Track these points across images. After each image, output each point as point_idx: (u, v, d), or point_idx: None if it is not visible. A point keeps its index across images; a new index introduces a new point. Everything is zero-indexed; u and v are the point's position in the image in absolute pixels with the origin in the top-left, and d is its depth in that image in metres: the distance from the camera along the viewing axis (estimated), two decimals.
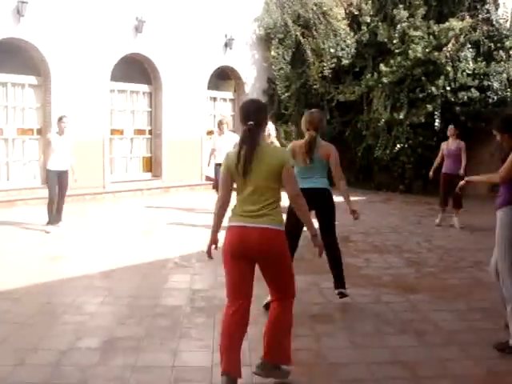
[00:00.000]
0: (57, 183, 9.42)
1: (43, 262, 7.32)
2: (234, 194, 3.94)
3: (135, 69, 14.43)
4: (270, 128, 9.44)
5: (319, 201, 5.60)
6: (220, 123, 11.47)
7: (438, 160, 10.66)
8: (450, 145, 10.51)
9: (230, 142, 10.72)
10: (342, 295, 5.75)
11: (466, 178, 5.44)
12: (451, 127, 10.68)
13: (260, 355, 3.94)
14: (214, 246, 4.06)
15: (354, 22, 15.82)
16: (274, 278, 3.90)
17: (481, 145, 14.42)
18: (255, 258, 3.79)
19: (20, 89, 12.53)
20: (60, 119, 9.56)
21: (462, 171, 10.17)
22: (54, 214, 9.44)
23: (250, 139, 3.75)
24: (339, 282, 5.80)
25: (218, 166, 10.61)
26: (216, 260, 7.57)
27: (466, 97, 13.84)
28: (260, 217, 3.74)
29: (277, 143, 9.42)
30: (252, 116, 3.81)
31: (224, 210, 3.96)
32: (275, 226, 3.76)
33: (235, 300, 3.79)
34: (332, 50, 15.43)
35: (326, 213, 5.77)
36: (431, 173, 10.71)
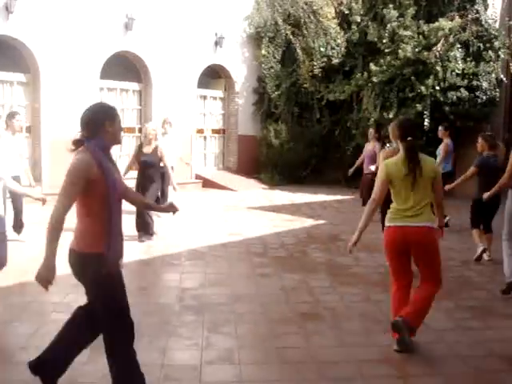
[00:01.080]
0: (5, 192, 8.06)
1: (31, 261, 7.27)
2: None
3: (125, 67, 14.38)
4: (158, 132, 9.06)
5: None
6: (163, 123, 10.99)
7: (359, 160, 11.06)
8: (367, 146, 10.87)
9: (172, 142, 10.59)
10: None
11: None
12: (371, 130, 10.98)
13: (249, 353, 3.95)
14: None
15: (344, 21, 15.86)
16: (426, 265, 4.57)
17: (469, 144, 14.49)
18: (413, 249, 4.51)
19: (9, 86, 12.45)
20: (12, 116, 8.13)
21: (372, 168, 10.56)
22: (14, 225, 8.20)
23: (414, 153, 4.46)
24: None
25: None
26: (205, 258, 7.59)
27: (455, 96, 13.91)
28: (419, 217, 4.45)
29: (161, 146, 8.85)
30: (409, 132, 4.52)
31: (375, 211, 4.63)
32: (430, 223, 4.50)
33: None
34: (322, 49, 15.47)
35: None
36: (350, 171, 11.15)
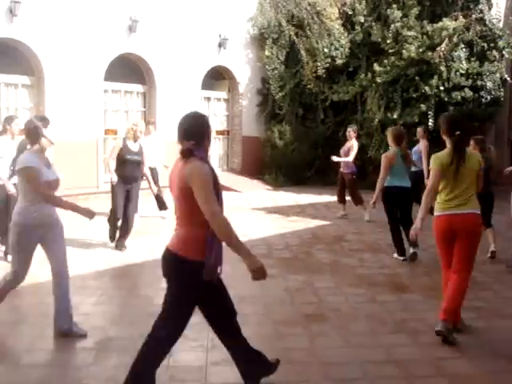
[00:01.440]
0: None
1: (35, 263, 7.28)
2: None
3: (129, 69, 14.41)
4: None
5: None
6: (147, 123, 10.80)
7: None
8: (347, 144, 11.03)
9: (155, 143, 10.57)
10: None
11: None
12: (350, 129, 11.13)
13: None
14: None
15: (348, 21, 15.85)
16: (465, 252, 4.84)
17: None
18: (459, 235, 4.78)
19: (13, 89, 12.49)
20: (11, 120, 7.54)
21: (335, 158, 10.91)
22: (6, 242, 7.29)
23: (462, 147, 4.79)
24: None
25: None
26: None
27: (459, 96, 13.87)
28: (465, 205, 4.79)
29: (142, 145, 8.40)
30: (457, 127, 4.81)
31: (432, 201, 4.93)
32: (476, 211, 4.86)
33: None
34: (326, 50, 15.46)
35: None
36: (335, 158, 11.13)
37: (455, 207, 4.79)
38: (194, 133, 3.49)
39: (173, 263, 3.54)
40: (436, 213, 4.92)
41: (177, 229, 3.59)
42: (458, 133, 4.77)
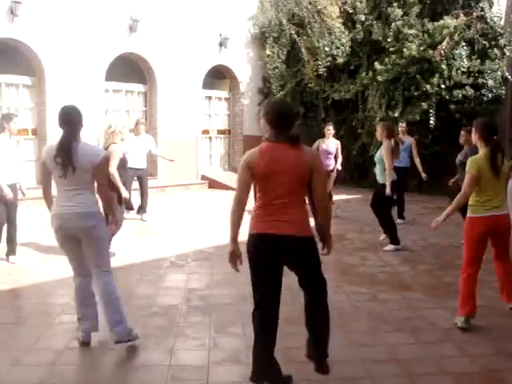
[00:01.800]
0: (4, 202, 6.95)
1: (37, 263, 7.30)
2: None
3: (130, 68, 14.41)
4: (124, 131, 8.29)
5: None
6: (137, 123, 10.84)
7: None
8: (324, 142, 10.94)
9: (145, 143, 10.55)
10: None
11: None
12: (330, 127, 11.12)
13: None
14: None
15: (349, 20, 15.82)
16: (506, 245, 5.25)
17: None
18: (497, 234, 5.12)
19: (14, 89, 12.49)
20: (9, 118, 7.18)
21: (339, 166, 11.08)
22: (6, 243, 7.23)
23: (499, 151, 5.02)
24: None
25: (130, 169, 9.11)
26: (211, 259, 7.59)
27: (460, 95, 13.85)
28: (501, 207, 5.10)
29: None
30: (494, 132, 5.11)
31: (464, 203, 5.09)
32: (508, 211, 5.24)
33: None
34: (327, 49, 15.44)
35: None
36: None
37: (492, 209, 5.02)
38: (294, 120, 3.74)
39: (308, 245, 3.73)
40: (473, 214, 5.08)
41: (285, 213, 3.65)
42: (496, 137, 5.07)
